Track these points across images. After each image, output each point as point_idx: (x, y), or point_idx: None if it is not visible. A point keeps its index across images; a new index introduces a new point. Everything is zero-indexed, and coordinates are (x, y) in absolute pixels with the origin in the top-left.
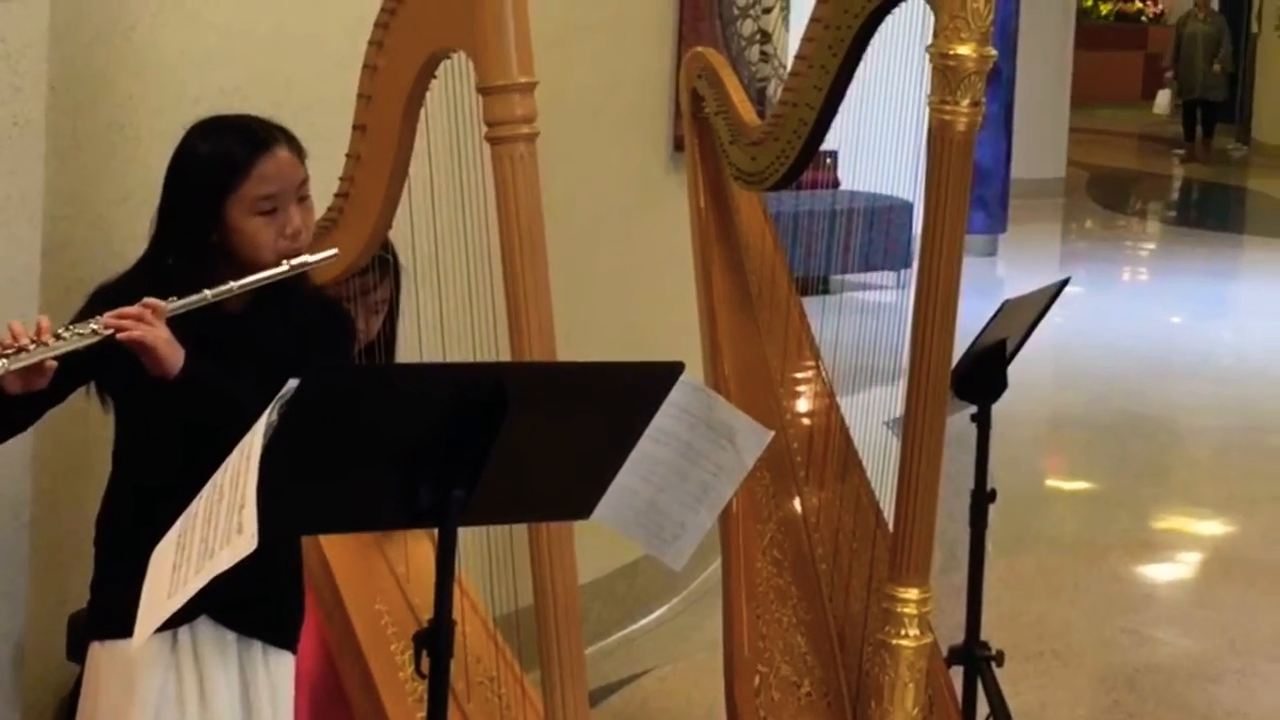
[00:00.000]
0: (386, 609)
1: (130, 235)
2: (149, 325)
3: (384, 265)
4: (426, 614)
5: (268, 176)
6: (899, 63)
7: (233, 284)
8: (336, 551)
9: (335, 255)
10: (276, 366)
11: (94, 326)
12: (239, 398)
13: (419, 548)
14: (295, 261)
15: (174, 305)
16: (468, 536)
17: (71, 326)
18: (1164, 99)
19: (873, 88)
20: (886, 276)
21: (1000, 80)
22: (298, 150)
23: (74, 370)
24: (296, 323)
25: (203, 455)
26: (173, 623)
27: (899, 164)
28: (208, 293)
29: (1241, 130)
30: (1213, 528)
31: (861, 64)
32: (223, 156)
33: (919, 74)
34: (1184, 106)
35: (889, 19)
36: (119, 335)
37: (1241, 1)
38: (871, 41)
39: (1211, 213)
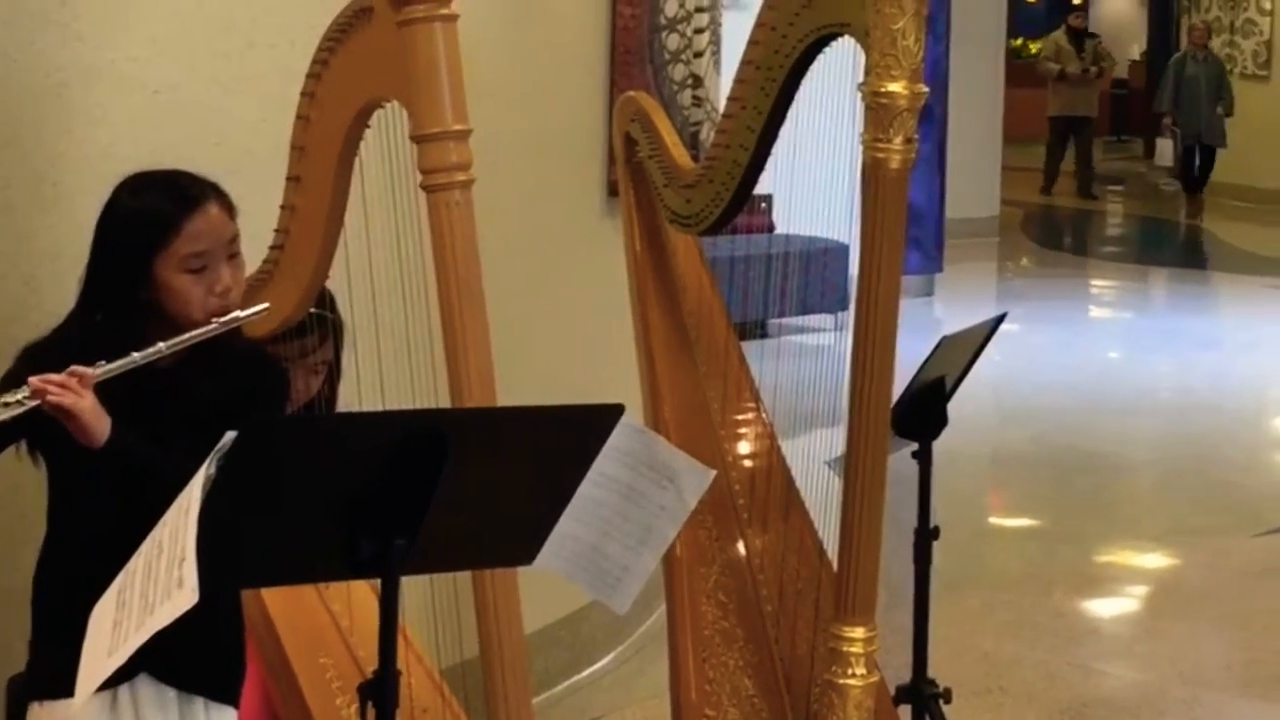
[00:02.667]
0: (330, 661)
1: (61, 293)
2: (75, 394)
3: (323, 325)
4: (371, 666)
5: (198, 234)
6: (831, 104)
7: (161, 345)
8: (279, 604)
9: (265, 310)
10: (208, 420)
11: (20, 396)
12: (164, 468)
13: (362, 599)
14: (225, 319)
15: (101, 371)
16: (411, 588)
17: None
18: (1167, 148)
19: (805, 130)
20: (824, 319)
21: (932, 120)
22: (228, 207)
23: (3, 428)
24: (228, 376)
25: (138, 511)
26: (112, 681)
27: (833, 206)
28: (136, 355)
29: (1175, 166)
30: (1156, 560)
31: (793, 106)
32: (152, 213)
33: (851, 114)
34: (1184, 153)
35: (820, 60)
36: (45, 401)
37: (1169, 40)
38: (803, 83)
39: (1147, 248)
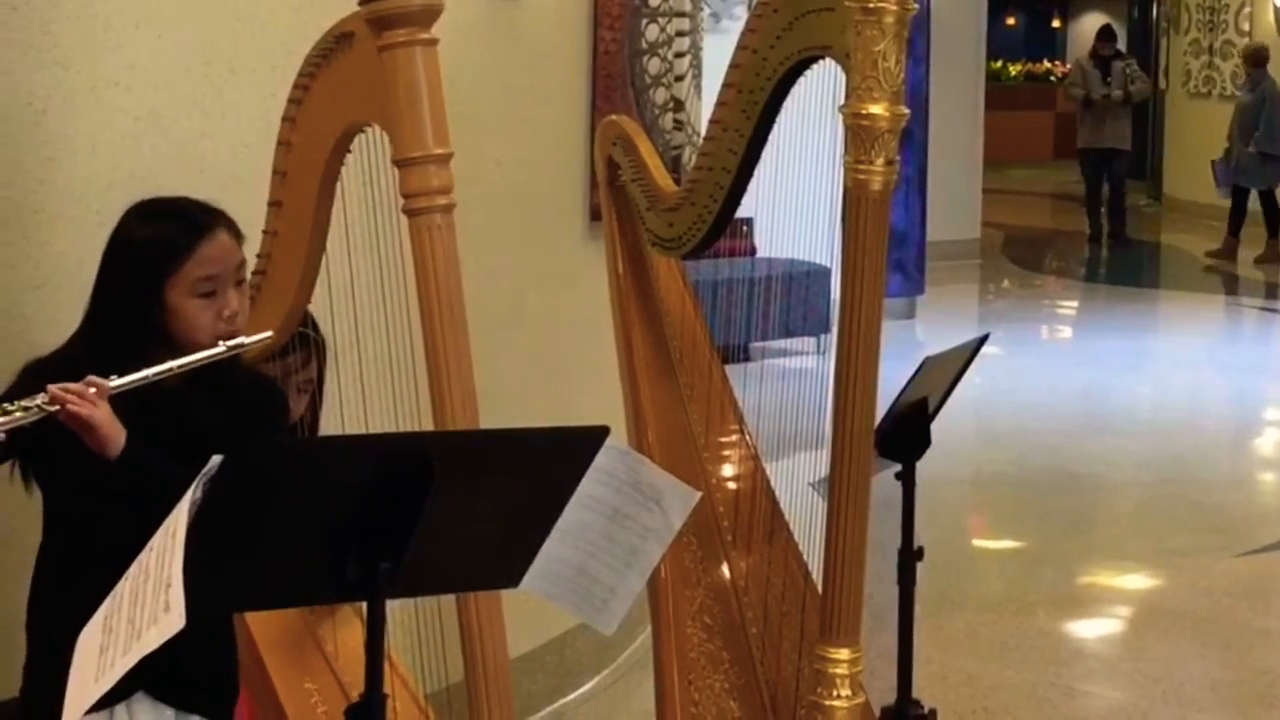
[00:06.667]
0: (316, 687)
1: (46, 321)
2: (91, 404)
3: (307, 345)
4: (356, 692)
5: (208, 259)
6: (812, 126)
7: (172, 364)
8: (263, 630)
9: (270, 337)
10: (210, 444)
11: (39, 402)
12: (178, 479)
13: (347, 626)
14: (231, 343)
15: (116, 384)
16: (397, 614)
17: (15, 401)
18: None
19: (787, 154)
20: (806, 342)
21: (913, 143)
22: (236, 234)
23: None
24: (230, 401)
25: (134, 536)
26: (109, 700)
27: (815, 230)
28: (148, 372)
29: (1153, 186)
30: (1139, 580)
31: (775, 129)
32: (165, 238)
33: (832, 137)
34: (1233, 191)
35: (801, 83)
36: (65, 408)
37: (1148, 62)
38: (785, 105)
39: (1126, 269)
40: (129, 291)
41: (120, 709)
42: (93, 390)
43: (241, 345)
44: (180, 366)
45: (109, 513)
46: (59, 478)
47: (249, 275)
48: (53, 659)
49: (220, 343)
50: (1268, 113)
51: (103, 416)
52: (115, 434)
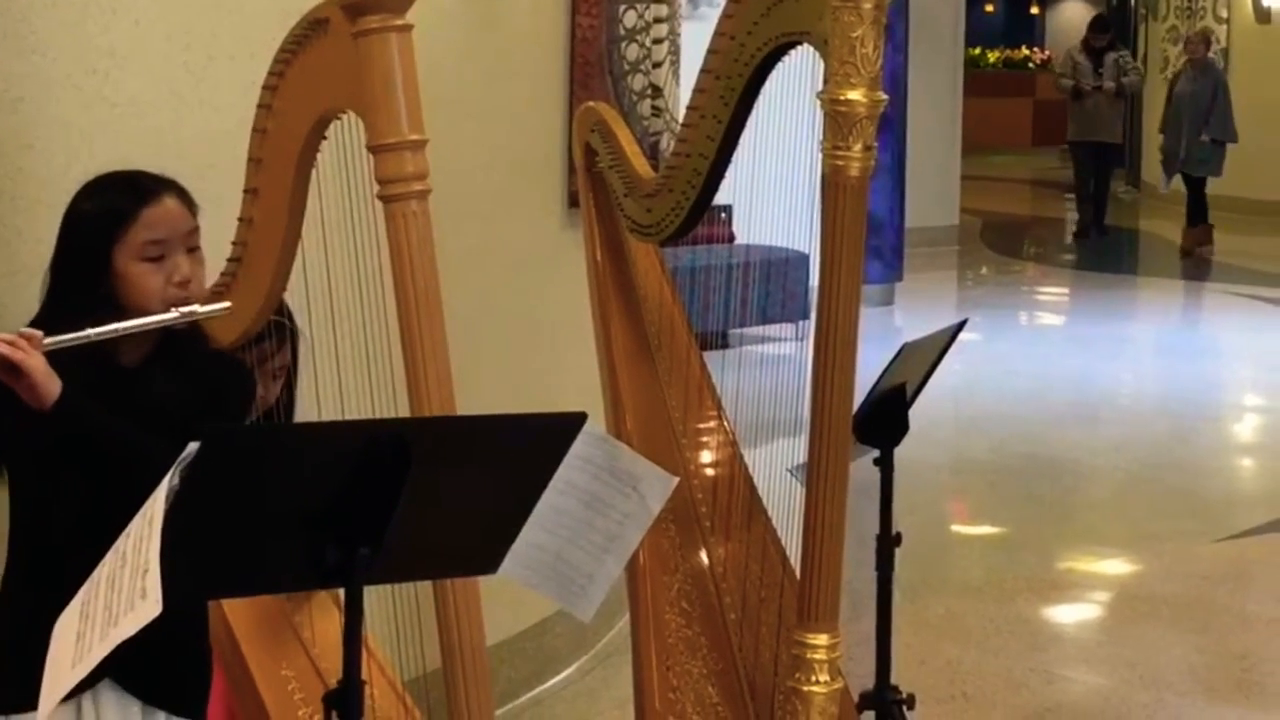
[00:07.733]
0: (293, 674)
1: (22, 308)
2: (24, 351)
3: (281, 331)
4: (334, 679)
5: (154, 223)
6: (790, 113)
7: (117, 325)
8: (241, 617)
9: (228, 308)
10: (172, 422)
11: None
12: (117, 430)
13: (324, 612)
14: (184, 310)
15: (52, 340)
16: (374, 601)
17: None
18: (1163, 175)
19: (765, 141)
20: (785, 328)
21: (891, 130)
22: (188, 201)
23: None
24: (193, 378)
25: (99, 520)
26: (75, 689)
27: (793, 216)
28: (90, 331)
29: (1132, 174)
30: (1117, 566)
31: (753, 115)
32: (109, 207)
33: (810, 124)
34: (1185, 183)
35: (779, 69)
36: None
37: (1128, 47)
38: (762, 92)
39: (1105, 255)
40: (79, 261)
41: (86, 700)
42: (24, 341)
43: (195, 313)
44: (126, 329)
45: (66, 497)
46: (13, 457)
47: (226, 264)
48: (19, 644)
49: (173, 309)
50: (1221, 99)
51: (36, 364)
52: (49, 384)
